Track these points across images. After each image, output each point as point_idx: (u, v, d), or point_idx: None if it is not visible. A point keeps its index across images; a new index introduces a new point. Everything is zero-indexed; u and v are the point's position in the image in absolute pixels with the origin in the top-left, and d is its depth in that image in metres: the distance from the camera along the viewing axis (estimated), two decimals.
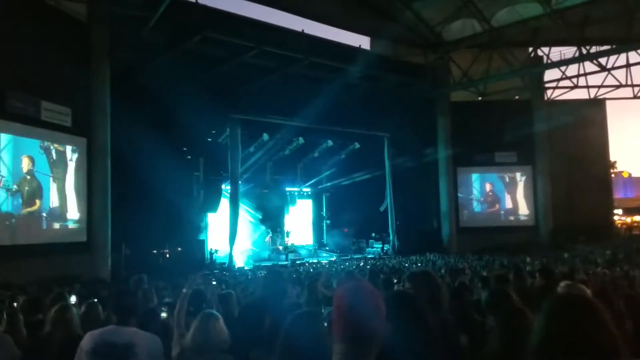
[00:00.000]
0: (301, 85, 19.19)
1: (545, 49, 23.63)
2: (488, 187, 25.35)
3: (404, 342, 1.95)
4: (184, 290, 3.60)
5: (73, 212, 15.12)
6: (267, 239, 22.79)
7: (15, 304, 6.28)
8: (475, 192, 25.32)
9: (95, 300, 6.96)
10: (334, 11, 20.15)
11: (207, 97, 16.98)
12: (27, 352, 3.58)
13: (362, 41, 24.72)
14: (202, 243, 18.59)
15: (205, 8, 16.86)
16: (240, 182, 19.49)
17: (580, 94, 27.99)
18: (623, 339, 1.27)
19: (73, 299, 6.15)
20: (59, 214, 14.73)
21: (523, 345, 1.43)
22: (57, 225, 14.63)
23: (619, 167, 45.91)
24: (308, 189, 25.92)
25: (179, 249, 17.59)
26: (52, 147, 14.51)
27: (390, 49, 23.64)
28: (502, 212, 25.32)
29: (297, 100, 18.23)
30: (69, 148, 15.02)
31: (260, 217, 22.56)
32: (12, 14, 12.57)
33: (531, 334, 1.36)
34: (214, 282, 10.91)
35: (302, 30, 18.37)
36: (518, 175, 25.36)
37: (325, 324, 2.04)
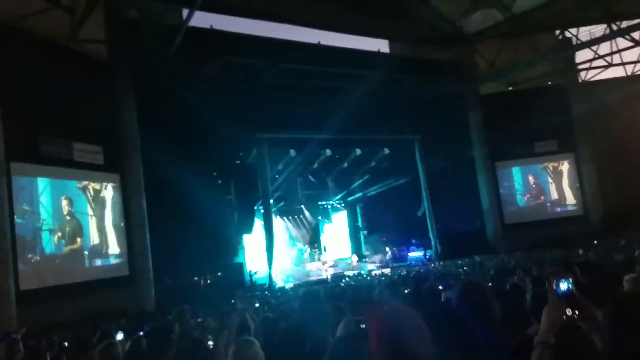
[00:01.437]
0: (323, 97, 19.03)
1: (574, 30, 22.68)
2: (531, 179, 24.39)
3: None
4: (232, 321, 3.67)
5: (114, 248, 15.43)
6: (305, 255, 22.62)
7: (65, 343, 6.33)
8: (518, 186, 24.38)
9: (141, 333, 6.97)
10: (347, 19, 19.94)
11: (231, 120, 17.10)
12: None
13: (380, 45, 24.44)
14: (241, 266, 18.62)
15: (220, 33, 17.04)
16: (272, 201, 19.43)
17: (616, 72, 26.57)
18: None
19: (120, 336, 6.20)
20: (100, 250, 15.05)
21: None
22: (99, 262, 14.94)
23: None
24: (341, 201, 25.58)
25: (219, 273, 17.65)
26: (89, 186, 14.89)
27: (411, 49, 23.21)
28: (548, 204, 24.27)
29: (321, 112, 18.08)
30: (104, 185, 15.37)
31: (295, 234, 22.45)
32: (36, 60, 12.93)
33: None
34: (257, 305, 10.81)
35: (319, 42, 18.27)
36: (561, 163, 24.29)
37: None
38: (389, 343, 1.41)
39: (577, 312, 1.69)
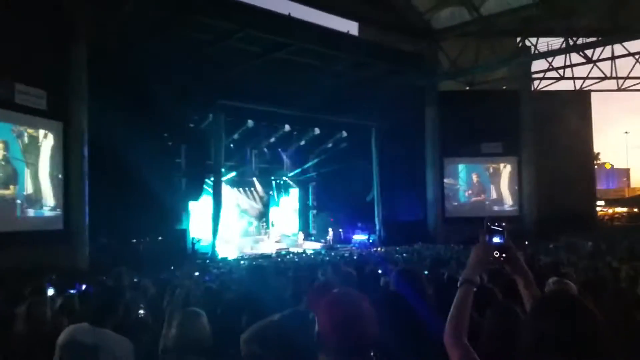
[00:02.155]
0: (288, 72, 18.70)
1: (533, 40, 23.53)
2: (474, 177, 25.36)
3: (398, 347, 1.93)
4: (178, 291, 3.70)
5: (49, 200, 14.61)
6: (252, 228, 22.47)
7: None
8: (461, 182, 25.30)
9: (73, 291, 6.65)
10: None
11: (190, 82, 16.47)
12: None
13: (350, 27, 24.22)
14: (184, 232, 18.15)
15: None
16: (223, 170, 19.04)
17: (566, 85, 28.06)
18: (611, 336, 1.29)
19: (50, 292, 5.91)
20: (34, 200, 14.20)
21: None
22: (32, 213, 14.13)
23: (602, 158, 46.52)
24: (294, 179, 25.47)
25: (160, 238, 17.13)
26: (24, 132, 13.91)
27: (379, 36, 23.23)
28: (487, 202, 25.37)
29: (284, 87, 17.80)
30: (43, 133, 14.43)
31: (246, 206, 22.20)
32: None
33: (521, 333, 1.35)
34: (197, 274, 10.63)
35: (289, 13, 17.84)
36: (502, 166, 25.40)
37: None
38: (340, 325, 1.46)
39: (504, 255, 1.74)
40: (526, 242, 17.68)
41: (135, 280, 6.21)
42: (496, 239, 1.74)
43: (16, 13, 12.93)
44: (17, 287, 6.19)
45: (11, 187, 13.46)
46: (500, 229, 1.76)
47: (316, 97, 17.56)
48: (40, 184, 14.29)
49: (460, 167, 25.40)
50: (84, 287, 7.68)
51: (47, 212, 14.57)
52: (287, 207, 25.52)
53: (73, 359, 2.77)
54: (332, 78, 18.51)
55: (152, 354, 3.01)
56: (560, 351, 1.24)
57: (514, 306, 2.36)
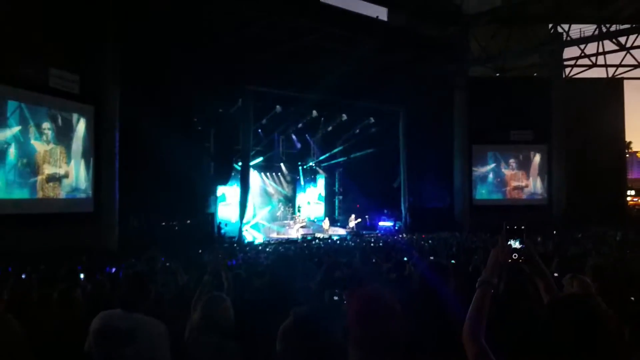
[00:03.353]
0: (316, 57, 18.53)
1: (565, 26, 22.86)
2: (503, 165, 24.93)
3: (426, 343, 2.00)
4: (206, 277, 3.59)
5: (80, 182, 14.89)
6: (279, 213, 22.57)
7: (23, 275, 6.04)
8: (490, 169, 24.90)
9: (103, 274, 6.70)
10: None
11: (219, 68, 16.48)
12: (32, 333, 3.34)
13: (379, 12, 23.83)
14: (212, 216, 18.36)
15: None
16: (251, 155, 19.12)
17: (598, 73, 27.21)
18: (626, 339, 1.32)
19: (82, 275, 5.97)
20: (66, 183, 14.49)
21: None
22: (63, 194, 14.40)
23: (634, 147, 45.19)
24: (321, 165, 25.39)
25: (188, 221, 17.36)
26: (58, 115, 14.17)
27: (408, 21, 22.85)
28: (516, 191, 24.95)
29: (312, 72, 17.66)
30: (75, 116, 14.67)
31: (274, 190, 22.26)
32: None
33: (538, 334, 1.40)
34: (223, 257, 10.72)
35: None
36: (532, 154, 24.90)
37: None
38: (367, 321, 1.54)
39: (522, 258, 1.79)
40: (554, 232, 17.42)
41: (167, 264, 6.25)
42: (515, 243, 1.79)
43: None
44: (50, 270, 6.33)
45: (46, 169, 13.75)
46: (519, 233, 1.80)
47: (344, 83, 17.41)
48: (72, 167, 14.57)
49: (489, 154, 24.97)
50: (114, 270, 7.83)
51: (78, 193, 14.85)
52: (314, 192, 25.55)
53: (107, 344, 2.76)
54: (360, 63, 18.28)
55: (181, 338, 3.04)
56: (576, 354, 1.28)
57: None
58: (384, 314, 1.54)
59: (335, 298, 2.66)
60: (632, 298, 3.04)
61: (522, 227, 1.78)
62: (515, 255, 1.78)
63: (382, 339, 1.52)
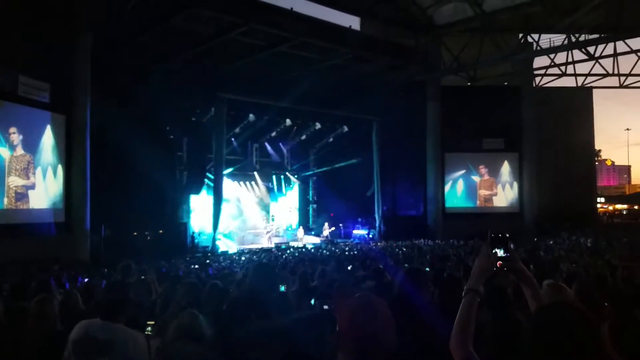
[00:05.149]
0: (290, 66, 18.66)
1: (535, 36, 23.46)
2: (475, 173, 25.32)
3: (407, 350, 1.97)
4: (181, 288, 3.68)
5: (51, 192, 14.61)
6: (252, 222, 22.44)
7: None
8: (462, 177, 25.27)
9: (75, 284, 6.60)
10: None
11: (192, 76, 16.41)
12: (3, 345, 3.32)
13: (352, 22, 24.12)
14: (185, 226, 18.19)
15: None
16: (224, 164, 19.03)
17: (568, 82, 28.00)
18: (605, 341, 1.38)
19: (54, 286, 5.86)
20: (36, 193, 14.19)
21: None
22: (33, 205, 14.11)
23: (603, 155, 46.46)
24: (295, 173, 25.41)
25: (160, 231, 17.16)
26: (27, 124, 13.88)
27: (381, 31, 23.15)
28: (488, 198, 25.35)
29: (286, 81, 17.74)
30: (46, 125, 14.41)
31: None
32: None
33: (523, 341, 1.43)
34: (196, 266, 10.66)
35: (291, 8, 17.77)
36: (504, 161, 25.36)
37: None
38: (359, 329, 1.55)
39: (507, 266, 1.80)
40: (526, 239, 17.77)
41: (142, 277, 6.20)
42: (499, 251, 1.79)
43: (20, 5, 12.91)
44: (22, 280, 6.23)
45: (15, 178, 13.46)
46: (504, 241, 1.80)
47: (317, 92, 17.55)
48: (40, 176, 14.29)
49: (462, 163, 25.32)
50: (86, 280, 7.71)
51: (48, 204, 14.58)
52: (287, 201, 25.53)
53: (86, 355, 2.75)
54: (334, 72, 18.46)
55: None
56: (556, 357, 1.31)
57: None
58: (375, 320, 1.56)
59: (325, 307, 2.65)
60: (606, 304, 3.13)
61: (507, 235, 1.79)
62: (500, 264, 1.79)
63: (374, 344, 1.54)
